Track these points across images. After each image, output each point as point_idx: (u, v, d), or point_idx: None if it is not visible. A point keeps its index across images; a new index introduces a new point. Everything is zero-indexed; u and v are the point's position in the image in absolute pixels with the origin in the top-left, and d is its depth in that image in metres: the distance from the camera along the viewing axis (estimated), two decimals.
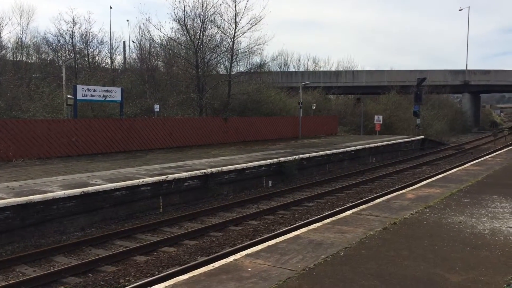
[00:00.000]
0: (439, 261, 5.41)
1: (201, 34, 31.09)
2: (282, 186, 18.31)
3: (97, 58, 38.47)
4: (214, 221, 12.62)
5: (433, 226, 7.00)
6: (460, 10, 57.71)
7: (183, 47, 33.90)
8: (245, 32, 31.88)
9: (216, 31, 32.37)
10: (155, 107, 28.49)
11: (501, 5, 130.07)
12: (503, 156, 17.31)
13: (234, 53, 32.70)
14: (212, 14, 31.01)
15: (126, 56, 46.11)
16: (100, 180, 13.22)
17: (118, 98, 23.81)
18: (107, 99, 23.31)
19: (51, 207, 11.13)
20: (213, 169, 15.75)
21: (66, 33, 35.00)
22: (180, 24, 31.54)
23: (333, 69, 64.31)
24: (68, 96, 22.13)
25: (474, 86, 56.60)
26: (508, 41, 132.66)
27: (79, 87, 22.04)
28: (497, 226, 6.97)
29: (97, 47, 37.92)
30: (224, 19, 31.45)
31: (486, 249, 5.84)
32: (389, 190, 16.19)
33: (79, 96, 21.80)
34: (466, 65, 56.51)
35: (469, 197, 9.24)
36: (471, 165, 14.75)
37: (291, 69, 64.74)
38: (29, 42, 38.93)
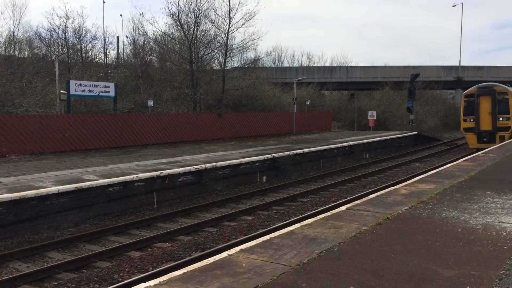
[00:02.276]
0: (432, 256, 5.44)
1: (195, 29, 31.02)
2: (277, 181, 18.34)
3: (90, 53, 38.30)
4: (209, 217, 12.63)
5: (426, 222, 7.04)
6: (453, 6, 57.68)
7: (177, 42, 33.79)
8: (239, 28, 31.88)
9: (210, 26, 32.32)
10: (149, 102, 28.40)
11: (495, 1, 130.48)
12: (496, 152, 17.41)
13: (228, 49, 32.66)
14: (206, 9, 30.98)
15: (119, 51, 45.90)
16: (94, 175, 13.18)
17: (112, 93, 23.70)
18: (101, 94, 23.20)
19: (44, 202, 11.09)
20: (208, 165, 15.74)
21: (59, 28, 34.80)
22: (174, 19, 31.45)
23: (327, 64, 64.39)
24: (61, 91, 21.99)
25: (467, 82, 56.71)
26: (502, 37, 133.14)
27: (72, 82, 21.91)
28: (490, 221, 7.03)
29: (90, 42, 37.76)
30: (218, 14, 31.43)
31: (478, 244, 5.88)
32: (382, 186, 16.28)
33: (72, 91, 21.68)
34: (460, 61, 56.72)
35: (462, 193, 9.29)
36: (464, 160, 14.83)
37: (285, 64, 64.69)
38: (21, 36, 38.61)
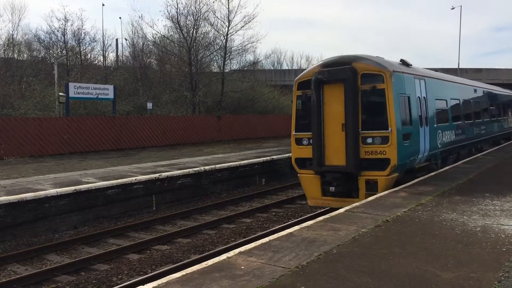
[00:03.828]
0: (431, 258, 5.44)
1: (194, 31, 31.09)
2: (275, 184, 18.32)
3: (89, 56, 38.29)
4: (207, 219, 12.61)
5: (425, 224, 7.04)
6: (452, 9, 57.80)
7: (176, 45, 33.84)
8: (238, 30, 32.00)
9: (209, 28, 32.41)
10: (148, 105, 28.42)
11: (494, 3, 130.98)
12: (494, 154, 17.42)
13: (227, 51, 32.74)
14: (205, 11, 31.07)
15: (118, 54, 45.89)
16: (93, 178, 13.17)
17: (111, 96, 23.71)
18: (100, 97, 23.21)
19: (43, 205, 11.07)
20: (206, 167, 15.73)
21: (58, 30, 34.84)
22: (173, 22, 31.54)
23: None
24: (60, 94, 22.01)
25: None
26: (500, 40, 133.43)
27: (71, 85, 21.92)
28: (488, 224, 7.03)
29: (89, 44, 37.76)
30: (217, 17, 31.53)
31: (477, 246, 5.88)
32: None
33: (71, 94, 21.69)
34: (458, 63, 56.75)
35: (461, 195, 9.29)
36: (463, 163, 14.83)
37: (284, 67, 64.77)
38: (20, 39, 38.57)
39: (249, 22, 31.52)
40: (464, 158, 15.86)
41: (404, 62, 12.19)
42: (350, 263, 5.30)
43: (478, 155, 17.33)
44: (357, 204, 8.59)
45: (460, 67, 56.71)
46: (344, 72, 10.64)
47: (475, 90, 18.57)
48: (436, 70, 21.30)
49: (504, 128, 23.47)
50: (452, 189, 10.02)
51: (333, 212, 7.92)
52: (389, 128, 10.39)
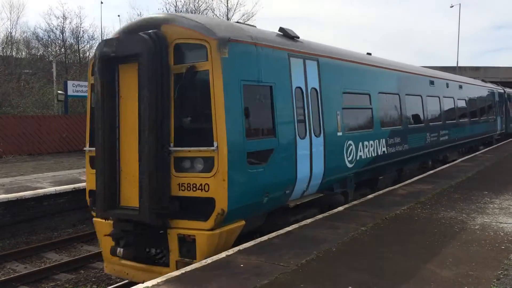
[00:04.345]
0: (430, 256, 5.45)
1: None
2: None
3: (88, 54, 38.27)
4: None
5: (424, 222, 7.06)
6: (451, 7, 57.72)
7: None
8: None
9: None
10: None
11: (493, 2, 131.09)
12: (493, 152, 17.45)
13: None
14: (204, 9, 31.08)
15: None
16: None
17: None
18: None
19: (42, 203, 11.06)
20: None
21: (56, 28, 34.89)
22: None
23: None
24: (59, 91, 21.97)
25: None
26: (499, 38, 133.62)
27: (70, 83, 21.88)
28: (487, 222, 7.04)
29: (88, 42, 37.87)
30: (216, 15, 31.46)
31: (476, 244, 5.90)
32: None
33: (70, 92, 21.65)
34: (457, 61, 56.78)
35: (460, 193, 9.31)
36: (462, 161, 14.85)
37: None
38: (19, 37, 38.60)
39: (248, 20, 31.50)
40: (413, 175, 12.12)
41: (285, 33, 7.72)
42: (349, 261, 5.31)
43: (477, 153, 17.33)
44: (356, 202, 8.59)
45: (459, 65, 56.68)
46: (139, 42, 6.02)
47: (432, 82, 13.77)
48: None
49: (483, 131, 19.49)
50: (451, 187, 10.03)
51: (333, 210, 7.91)
52: (214, 144, 5.87)
